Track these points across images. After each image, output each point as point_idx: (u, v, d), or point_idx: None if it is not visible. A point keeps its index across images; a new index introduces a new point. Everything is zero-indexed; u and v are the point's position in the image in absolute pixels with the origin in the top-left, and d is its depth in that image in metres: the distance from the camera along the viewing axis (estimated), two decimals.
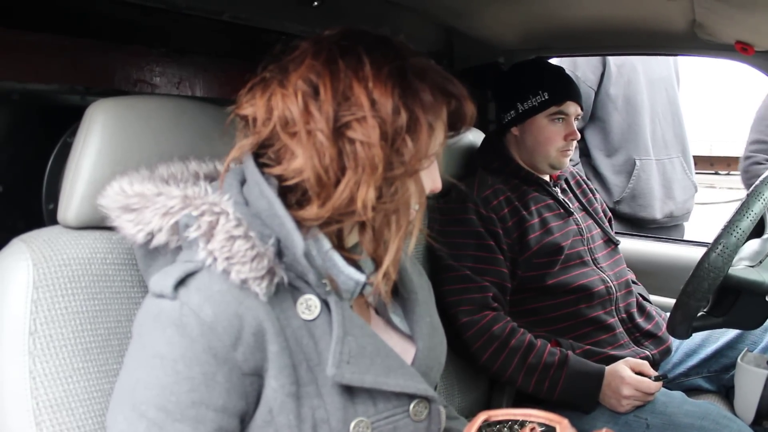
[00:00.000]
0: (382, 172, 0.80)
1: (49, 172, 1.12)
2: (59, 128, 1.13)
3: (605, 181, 2.61)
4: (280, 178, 0.84)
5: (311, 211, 0.82)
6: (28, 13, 1.19)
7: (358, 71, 0.81)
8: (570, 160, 1.77)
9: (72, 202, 0.95)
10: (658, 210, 2.62)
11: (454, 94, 0.87)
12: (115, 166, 0.95)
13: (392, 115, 0.80)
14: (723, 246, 1.27)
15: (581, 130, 2.59)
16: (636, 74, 2.60)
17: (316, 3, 1.54)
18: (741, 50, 1.60)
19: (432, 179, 0.92)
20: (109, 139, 0.96)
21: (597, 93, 2.59)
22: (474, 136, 1.88)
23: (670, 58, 2.75)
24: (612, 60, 2.57)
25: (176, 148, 1.00)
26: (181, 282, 0.79)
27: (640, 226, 2.61)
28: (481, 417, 0.85)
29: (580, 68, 2.57)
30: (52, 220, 1.05)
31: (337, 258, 0.86)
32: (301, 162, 0.81)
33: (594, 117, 2.61)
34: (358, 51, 0.82)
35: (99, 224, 0.95)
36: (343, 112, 0.80)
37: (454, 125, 0.91)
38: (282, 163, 0.84)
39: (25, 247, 0.90)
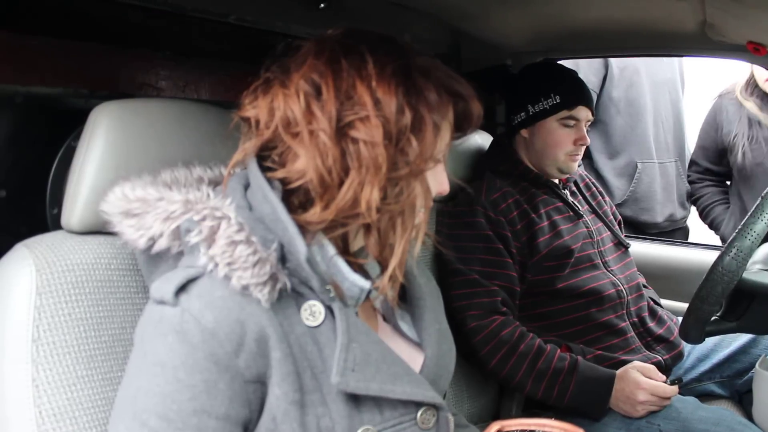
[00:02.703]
0: (386, 172, 0.79)
1: (53, 177, 1.11)
2: (63, 132, 1.12)
3: (607, 184, 2.59)
4: (284, 181, 0.83)
5: (315, 213, 0.81)
6: (32, 17, 1.18)
7: (361, 70, 0.79)
8: None
9: (75, 206, 0.94)
10: (659, 213, 2.61)
11: (461, 93, 0.86)
12: (119, 170, 0.94)
13: (396, 114, 0.79)
14: (737, 249, 1.24)
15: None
16: (639, 77, 2.59)
17: (322, 5, 1.53)
18: (753, 51, 1.57)
19: (438, 181, 0.90)
20: (112, 143, 0.94)
21: (599, 96, 2.58)
22: (482, 139, 1.86)
23: (675, 61, 2.74)
24: (614, 62, 2.56)
25: (181, 152, 0.99)
26: (183, 288, 0.77)
27: (642, 229, 2.59)
28: (494, 428, 0.84)
29: (581, 71, 2.52)
30: (55, 224, 1.04)
31: (342, 264, 0.85)
32: (303, 163, 0.80)
33: (596, 120, 2.59)
34: (361, 50, 0.81)
35: (103, 229, 0.93)
36: (346, 112, 0.79)
37: (461, 126, 0.90)
38: (285, 165, 0.82)
39: (28, 253, 0.89)
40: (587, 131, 1.71)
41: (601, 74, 2.57)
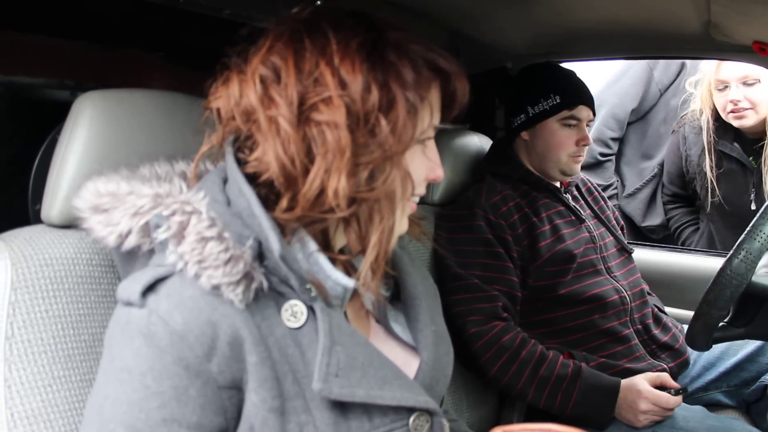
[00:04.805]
0: (351, 156, 0.73)
1: (36, 171, 1.07)
2: (48, 125, 1.08)
3: (623, 177, 2.64)
4: (256, 175, 0.77)
5: (281, 208, 0.75)
6: (17, 13, 1.14)
7: (325, 48, 0.74)
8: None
9: (56, 198, 0.90)
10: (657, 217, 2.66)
11: (444, 69, 0.80)
12: (102, 161, 0.90)
13: (362, 93, 0.73)
14: (746, 251, 1.20)
15: (629, 124, 2.66)
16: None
17: (318, 2, 1.50)
18: (759, 51, 1.54)
19: (429, 167, 0.84)
20: (96, 133, 0.91)
21: (659, 99, 2.61)
22: (481, 142, 1.83)
23: None
24: (688, 74, 2.55)
25: (168, 146, 0.95)
26: (151, 288, 0.72)
27: (637, 230, 2.62)
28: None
29: (658, 68, 2.60)
30: (38, 221, 1.00)
31: (323, 261, 0.79)
32: (263, 152, 0.75)
33: (641, 118, 2.63)
34: (324, 27, 0.75)
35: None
36: (309, 94, 0.73)
37: (448, 105, 0.84)
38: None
39: (4, 246, 0.85)
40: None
41: (671, 80, 2.61)
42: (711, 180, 2.32)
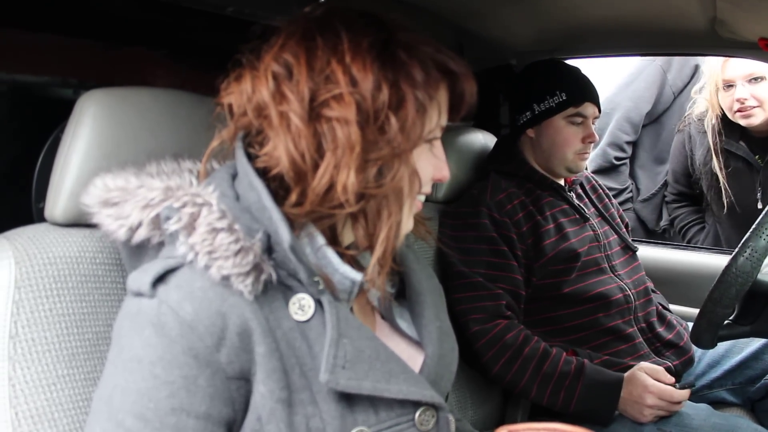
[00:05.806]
0: (362, 152, 0.75)
1: (40, 169, 1.07)
2: (51, 123, 1.08)
3: (637, 181, 2.64)
4: (266, 170, 0.79)
5: (291, 202, 0.76)
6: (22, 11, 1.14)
7: (336, 46, 0.75)
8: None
9: (60, 197, 0.90)
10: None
11: (453, 70, 0.81)
12: (105, 159, 0.90)
13: (373, 91, 0.75)
14: (752, 249, 1.20)
15: (643, 127, 2.67)
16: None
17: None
18: (765, 47, 1.53)
19: (435, 166, 0.85)
20: (99, 131, 0.91)
21: (673, 101, 2.62)
22: (486, 139, 1.83)
23: None
24: (699, 82, 2.56)
25: (172, 144, 0.95)
26: (161, 279, 0.73)
27: (652, 233, 2.63)
28: (502, 431, 0.79)
29: (672, 71, 2.61)
30: (42, 219, 1.00)
31: (332, 255, 0.81)
32: (274, 147, 0.76)
33: (655, 121, 2.62)
34: (337, 26, 0.77)
35: (89, 221, 0.89)
36: (320, 91, 0.75)
37: (456, 106, 0.85)
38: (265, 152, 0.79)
39: (8, 245, 0.85)
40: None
41: (684, 84, 2.62)
42: (723, 183, 2.30)
